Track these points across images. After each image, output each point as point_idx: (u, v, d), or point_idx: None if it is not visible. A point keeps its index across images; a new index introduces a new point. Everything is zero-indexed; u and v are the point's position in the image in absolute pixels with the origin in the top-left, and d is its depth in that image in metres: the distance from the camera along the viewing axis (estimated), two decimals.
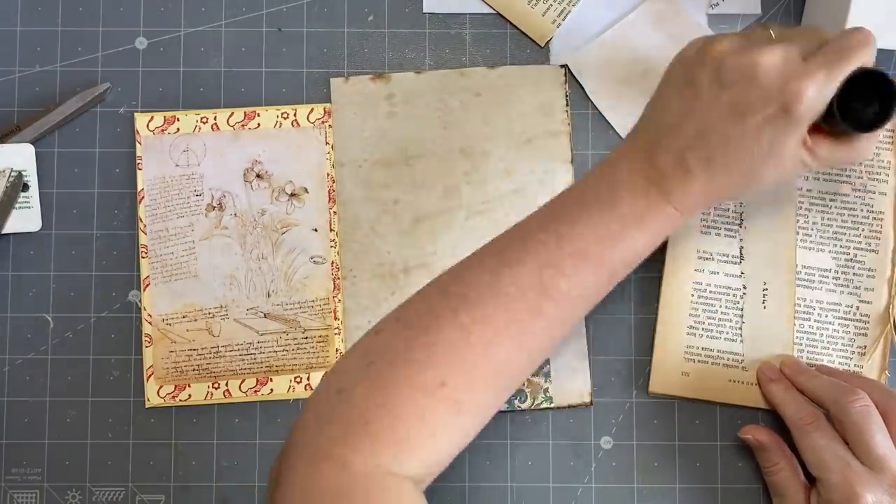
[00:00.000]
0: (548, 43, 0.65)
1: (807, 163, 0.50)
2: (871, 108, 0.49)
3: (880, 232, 0.62)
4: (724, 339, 0.62)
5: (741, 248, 0.62)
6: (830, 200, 0.62)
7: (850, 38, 0.48)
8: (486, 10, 0.65)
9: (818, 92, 0.47)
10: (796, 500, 0.57)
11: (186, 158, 0.63)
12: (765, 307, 0.62)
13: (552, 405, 0.62)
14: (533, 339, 0.49)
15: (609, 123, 0.64)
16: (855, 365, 0.61)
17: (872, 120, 0.49)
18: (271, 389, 0.62)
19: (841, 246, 0.62)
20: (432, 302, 0.49)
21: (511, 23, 0.65)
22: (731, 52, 0.49)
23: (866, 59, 0.48)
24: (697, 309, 0.62)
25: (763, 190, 0.52)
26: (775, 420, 0.61)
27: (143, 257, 0.63)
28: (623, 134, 0.64)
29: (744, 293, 0.62)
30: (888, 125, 0.49)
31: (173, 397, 0.62)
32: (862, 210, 0.62)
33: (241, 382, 0.62)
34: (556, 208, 0.52)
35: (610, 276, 0.51)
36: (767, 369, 0.61)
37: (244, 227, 0.63)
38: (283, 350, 0.63)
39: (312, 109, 0.64)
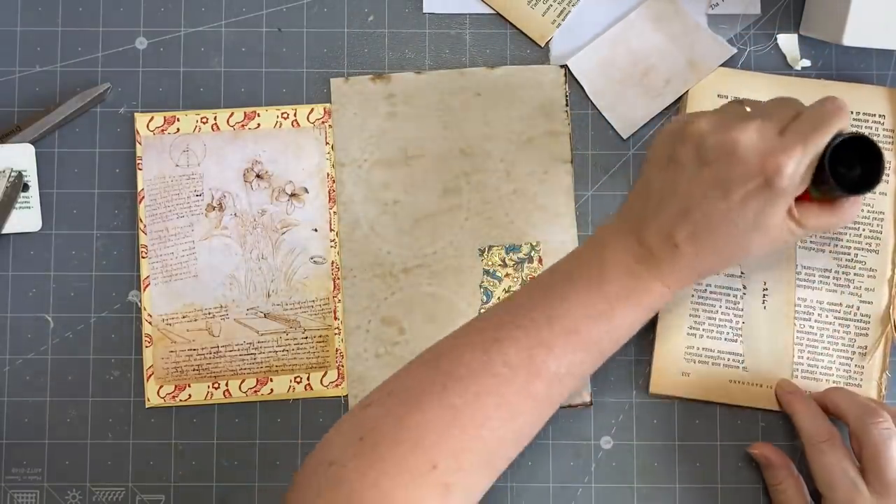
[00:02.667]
0: (548, 43, 0.65)
1: (794, 232, 0.51)
2: (855, 172, 0.50)
3: (880, 232, 0.62)
4: (725, 339, 0.62)
5: None
6: None
7: (824, 108, 0.49)
8: (486, 10, 0.65)
9: (797, 165, 0.48)
10: None
11: (186, 158, 0.63)
12: (765, 307, 0.62)
13: None
14: (523, 421, 0.50)
15: (609, 123, 0.64)
16: (856, 365, 0.61)
17: (859, 182, 0.50)
18: (271, 389, 0.62)
19: (841, 246, 0.62)
20: (423, 378, 0.49)
21: (511, 23, 0.65)
22: (710, 130, 0.50)
23: (842, 126, 0.49)
24: (697, 309, 0.62)
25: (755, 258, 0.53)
26: (775, 420, 0.61)
27: (143, 257, 0.63)
28: (623, 134, 0.64)
29: (744, 293, 0.62)
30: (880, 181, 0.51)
31: (173, 397, 0.62)
32: (862, 210, 0.62)
33: (241, 382, 0.62)
34: (547, 285, 0.52)
35: (599, 354, 0.51)
36: (787, 383, 0.61)
37: (244, 228, 0.63)
38: (283, 350, 0.63)
39: (312, 109, 0.64)
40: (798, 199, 0.50)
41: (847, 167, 0.50)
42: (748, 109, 0.51)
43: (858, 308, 0.62)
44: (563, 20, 0.64)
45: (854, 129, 0.50)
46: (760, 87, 0.63)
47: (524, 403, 0.49)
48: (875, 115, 0.62)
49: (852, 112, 0.62)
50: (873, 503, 0.54)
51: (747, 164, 0.48)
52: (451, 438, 0.47)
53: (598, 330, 0.50)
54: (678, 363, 0.62)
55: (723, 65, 0.63)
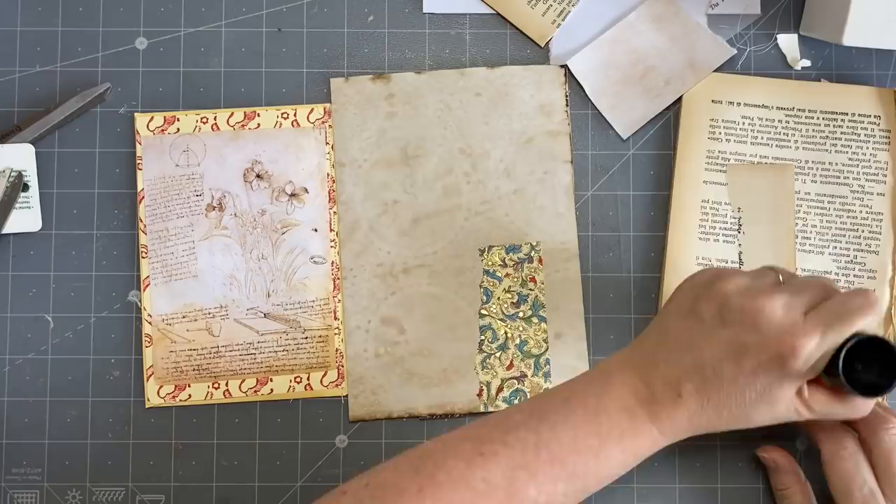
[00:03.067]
0: (548, 43, 0.65)
1: (801, 413, 0.50)
2: (873, 372, 0.49)
3: (880, 233, 0.62)
4: None
5: (740, 253, 0.62)
6: (829, 202, 0.62)
7: (853, 301, 0.48)
8: (486, 10, 0.65)
9: (814, 350, 0.47)
10: None
11: (186, 158, 0.63)
12: None
13: None
14: None
15: (609, 123, 0.64)
16: None
17: (873, 385, 0.48)
18: (271, 389, 0.62)
19: (841, 248, 0.62)
20: (402, 475, 0.49)
21: (511, 23, 0.65)
22: (737, 292, 0.49)
23: (868, 323, 0.48)
24: None
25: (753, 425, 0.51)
26: None
27: (143, 257, 0.63)
28: (623, 134, 0.64)
29: None
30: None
31: (173, 397, 0.62)
32: (861, 211, 0.62)
33: (241, 382, 0.62)
34: (543, 406, 0.51)
35: (583, 489, 0.50)
36: None
37: (244, 228, 0.63)
38: (283, 350, 0.63)
39: (312, 109, 0.64)
40: (811, 382, 0.49)
41: (865, 365, 0.48)
42: (781, 279, 0.51)
43: None
44: (563, 20, 0.64)
45: (876, 333, 0.48)
46: (755, 92, 0.63)
47: None
48: (870, 115, 0.62)
49: (847, 114, 0.62)
50: None
51: (765, 335, 0.48)
52: None
53: (584, 465, 0.49)
54: None
55: (722, 65, 0.63)
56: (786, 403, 0.49)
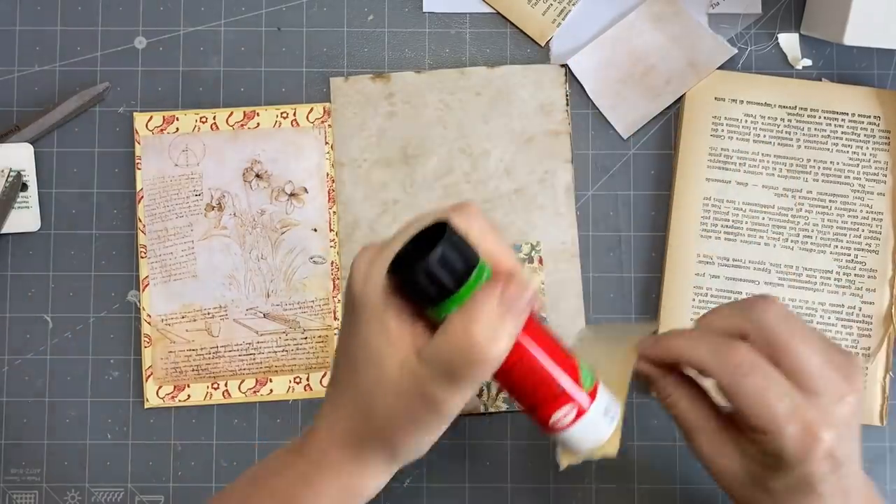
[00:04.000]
0: (548, 43, 0.65)
1: (417, 373, 0.40)
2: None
3: (880, 232, 0.62)
4: None
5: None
6: (830, 201, 0.62)
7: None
8: (486, 9, 0.65)
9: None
10: (708, 432, 0.48)
11: (186, 158, 0.63)
12: None
13: None
14: None
15: (609, 123, 0.64)
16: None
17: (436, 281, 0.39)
18: (271, 390, 0.62)
19: (841, 247, 0.62)
20: None
21: (511, 22, 0.65)
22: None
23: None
24: (699, 313, 0.62)
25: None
26: None
27: (142, 257, 0.63)
28: (623, 134, 0.64)
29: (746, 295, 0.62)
30: None
31: (172, 398, 0.62)
32: (861, 211, 0.62)
33: (241, 383, 0.62)
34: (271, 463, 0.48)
35: None
36: (643, 342, 0.50)
37: (243, 227, 0.63)
38: (283, 350, 0.63)
39: (312, 109, 0.64)
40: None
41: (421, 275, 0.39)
42: None
43: (860, 309, 0.62)
44: (563, 19, 0.64)
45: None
46: (757, 90, 0.63)
47: None
48: (870, 116, 0.62)
49: (847, 114, 0.62)
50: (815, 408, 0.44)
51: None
52: None
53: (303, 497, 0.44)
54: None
55: (723, 65, 0.63)
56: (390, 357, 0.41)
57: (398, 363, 0.41)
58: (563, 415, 0.43)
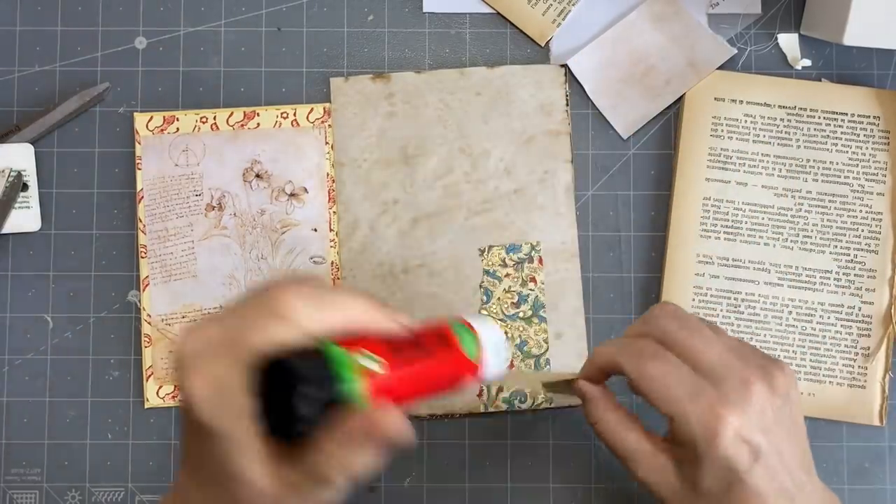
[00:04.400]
0: (548, 43, 0.65)
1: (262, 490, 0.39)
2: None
3: (879, 233, 0.62)
4: None
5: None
6: (830, 201, 0.62)
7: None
8: (486, 9, 0.65)
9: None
10: (641, 453, 0.48)
11: (186, 158, 0.63)
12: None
13: (552, 405, 0.62)
14: None
15: (609, 123, 0.64)
16: (859, 366, 0.61)
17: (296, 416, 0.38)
18: None
19: (841, 247, 0.62)
20: None
21: (511, 22, 0.65)
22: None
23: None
24: (699, 313, 0.62)
25: None
26: None
27: (142, 257, 0.63)
28: (623, 134, 0.64)
29: (747, 296, 0.62)
30: None
31: (173, 397, 0.62)
32: (861, 211, 0.62)
33: None
34: None
35: None
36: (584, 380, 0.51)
37: (243, 227, 0.63)
38: None
39: (312, 109, 0.64)
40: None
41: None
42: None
43: (860, 309, 0.62)
44: (563, 20, 0.64)
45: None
46: (757, 90, 0.63)
47: None
48: (869, 116, 0.62)
49: (847, 114, 0.62)
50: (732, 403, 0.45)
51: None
52: None
53: None
54: None
55: (723, 65, 0.63)
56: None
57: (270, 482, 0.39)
58: (466, 382, 0.46)
